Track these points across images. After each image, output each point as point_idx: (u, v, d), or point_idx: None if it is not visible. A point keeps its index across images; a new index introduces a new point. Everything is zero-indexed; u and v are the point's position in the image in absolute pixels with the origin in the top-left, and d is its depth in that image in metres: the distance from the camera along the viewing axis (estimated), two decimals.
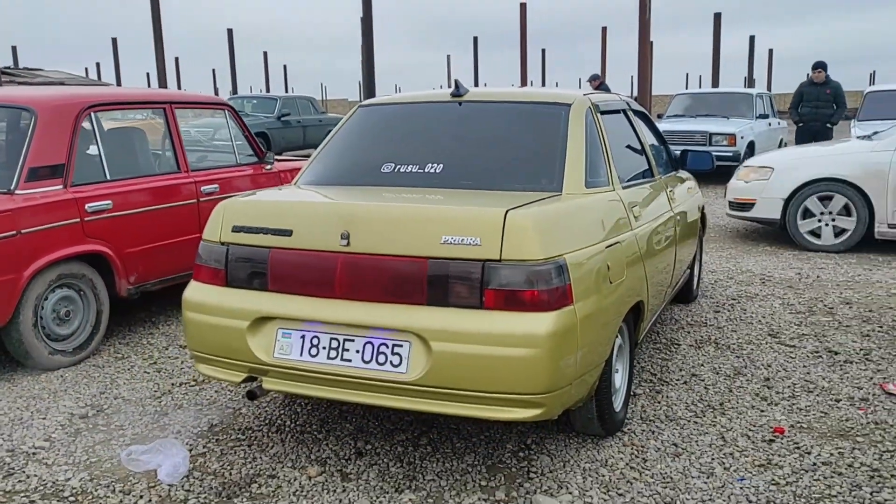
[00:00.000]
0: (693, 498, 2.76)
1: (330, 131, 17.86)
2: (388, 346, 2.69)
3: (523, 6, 24.92)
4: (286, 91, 45.26)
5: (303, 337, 2.81)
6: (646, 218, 3.56)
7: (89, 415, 3.58)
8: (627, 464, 3.02)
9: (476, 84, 38.24)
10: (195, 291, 3.06)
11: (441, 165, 3.23)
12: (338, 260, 2.77)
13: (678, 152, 4.82)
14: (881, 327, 4.83)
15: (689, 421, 3.43)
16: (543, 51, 41.59)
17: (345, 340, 2.75)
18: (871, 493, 2.77)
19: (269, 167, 5.64)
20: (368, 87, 17.02)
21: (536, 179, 3.13)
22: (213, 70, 49.59)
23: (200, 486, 2.90)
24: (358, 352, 2.72)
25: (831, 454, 3.09)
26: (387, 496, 2.81)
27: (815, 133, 10.83)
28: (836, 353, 4.33)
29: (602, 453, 3.11)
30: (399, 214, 2.76)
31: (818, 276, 6.26)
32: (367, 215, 2.78)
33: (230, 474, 2.99)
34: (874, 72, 60.99)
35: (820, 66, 10.70)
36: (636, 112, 4.26)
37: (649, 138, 4.33)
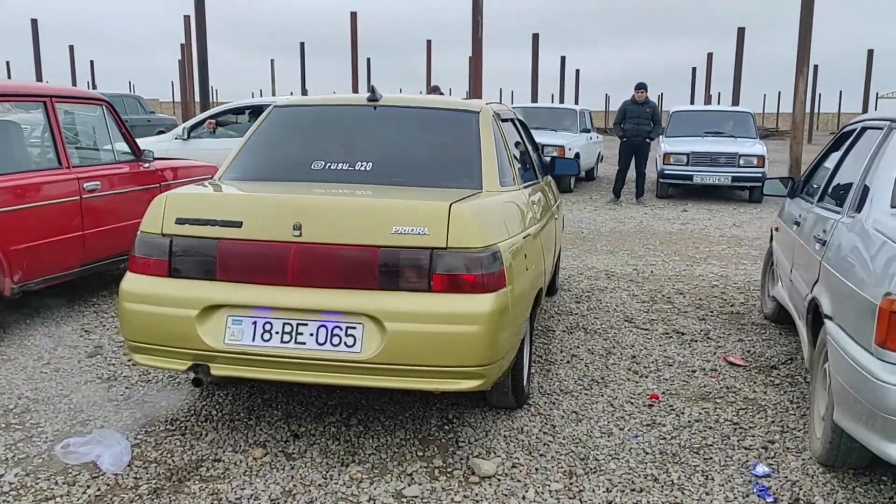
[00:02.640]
0: (602, 453, 3.21)
1: (160, 131, 17.09)
2: (341, 329, 2.91)
3: (354, 14, 25.18)
4: (92, 88, 42.37)
5: (254, 323, 2.96)
6: (541, 215, 4.02)
7: None
8: (540, 429, 3.43)
9: (304, 92, 37.96)
10: (134, 283, 3.11)
11: (370, 164, 3.49)
12: (290, 249, 2.95)
13: (548, 159, 5.35)
14: (712, 312, 5.63)
15: (580, 393, 3.91)
16: (369, 60, 41.88)
17: (298, 325, 2.94)
18: (738, 441, 3.36)
19: (147, 165, 5.56)
20: (203, 87, 16.53)
21: (459, 178, 3.47)
22: (8, 63, 45.38)
23: (147, 473, 2.96)
24: (312, 335, 2.92)
25: (700, 413, 3.68)
26: (335, 470, 3.02)
27: (637, 147, 12.01)
28: (683, 334, 5.03)
29: (516, 423, 3.50)
30: (352, 207, 3.00)
31: (652, 272, 7.10)
32: (320, 207, 2.99)
33: (173, 461, 3.07)
34: (662, 94, 67.23)
35: (642, 86, 11.89)
36: (519, 121, 4.73)
37: (530, 145, 4.82)
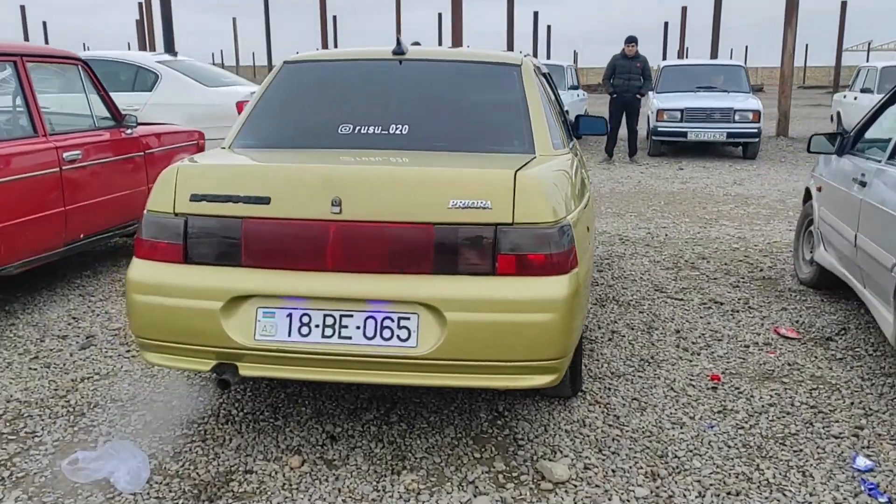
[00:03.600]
0: (681, 449, 2.87)
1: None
2: (392, 320, 2.51)
3: None
4: None
5: (289, 315, 2.54)
6: (586, 180, 3.62)
7: None
8: (604, 422, 3.08)
9: (269, 49, 36.85)
10: (144, 270, 2.66)
11: (406, 127, 3.05)
12: (329, 229, 2.53)
13: (572, 118, 4.93)
14: (743, 278, 5.31)
15: (633, 376, 3.56)
16: (335, 17, 40.89)
17: (342, 316, 2.52)
18: (824, 429, 3.04)
19: (129, 131, 5.03)
20: (168, 48, 15.72)
21: (508, 140, 3.05)
22: None
23: (170, 491, 2.55)
24: (358, 328, 2.51)
25: (771, 396, 3.35)
26: (386, 479, 2.64)
27: (627, 103, 11.62)
28: (722, 304, 4.70)
29: (575, 414, 3.14)
30: (400, 178, 2.57)
31: (666, 235, 6.76)
32: (363, 179, 2.56)
33: (198, 474, 2.66)
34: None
35: (632, 40, 11.44)
36: (548, 76, 4.30)
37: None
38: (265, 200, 2.55)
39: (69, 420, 3.05)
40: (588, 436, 2.96)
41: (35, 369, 3.55)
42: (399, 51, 3.37)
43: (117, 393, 3.30)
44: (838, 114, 14.39)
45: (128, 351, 3.78)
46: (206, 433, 2.95)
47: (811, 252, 4.99)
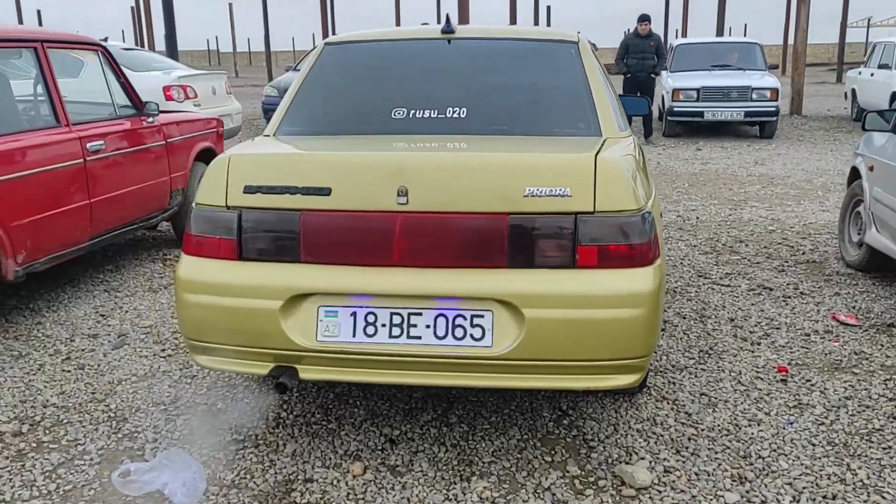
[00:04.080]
0: (764, 448, 2.71)
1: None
2: (465, 318, 2.34)
3: None
4: None
5: (353, 314, 2.37)
6: None
7: (23, 430, 2.85)
8: (676, 420, 2.92)
9: (267, 35, 36.45)
10: (195, 268, 2.48)
11: (465, 110, 2.86)
12: (395, 221, 2.35)
13: None
14: (787, 262, 5.14)
15: (696, 368, 3.39)
16: (332, 1, 40.44)
17: (410, 315, 2.35)
18: None
19: (151, 119, 4.84)
20: (169, 36, 15.46)
21: (573, 122, 2.87)
22: None
23: (229, 503, 2.39)
24: (428, 326, 2.34)
25: (845, 389, 3.19)
26: (457, 486, 2.48)
27: (641, 83, 11.41)
28: (771, 290, 4.53)
29: (644, 412, 2.97)
30: (471, 165, 2.38)
31: (698, 218, 6.58)
32: (430, 167, 2.37)
33: (256, 484, 2.50)
34: (629, 29, 66.11)
35: (645, 18, 11.20)
36: None
37: None
38: (325, 191, 2.37)
39: (111, 426, 2.89)
40: (662, 435, 2.80)
41: (69, 371, 3.38)
42: (448, 29, 3.18)
43: (158, 396, 3.14)
44: (853, 91, 14.16)
45: (163, 350, 3.62)
46: (257, 438, 2.79)
47: (859, 234, 4.82)
